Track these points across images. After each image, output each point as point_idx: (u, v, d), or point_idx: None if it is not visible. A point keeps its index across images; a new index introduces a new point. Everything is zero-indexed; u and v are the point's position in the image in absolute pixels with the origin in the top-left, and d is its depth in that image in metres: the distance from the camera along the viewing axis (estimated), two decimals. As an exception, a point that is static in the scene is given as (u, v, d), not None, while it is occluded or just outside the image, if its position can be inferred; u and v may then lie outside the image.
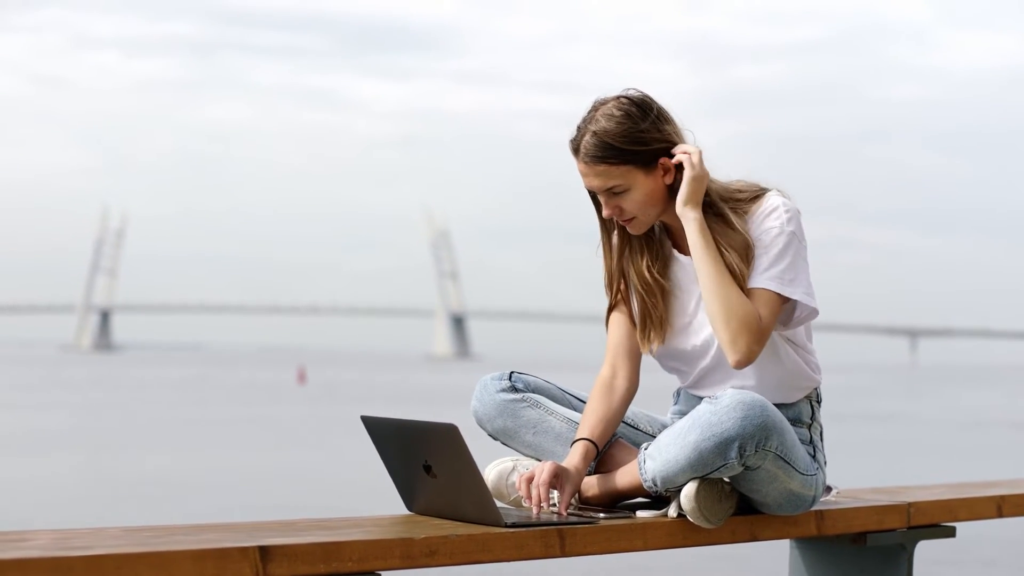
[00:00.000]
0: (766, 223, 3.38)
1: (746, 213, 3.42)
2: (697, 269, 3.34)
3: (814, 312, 3.43)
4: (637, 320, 3.52)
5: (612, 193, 3.37)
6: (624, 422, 3.56)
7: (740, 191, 3.45)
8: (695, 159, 3.34)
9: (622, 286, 3.54)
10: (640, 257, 3.49)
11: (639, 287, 3.48)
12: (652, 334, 3.48)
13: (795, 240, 3.38)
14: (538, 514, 3.20)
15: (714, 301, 3.31)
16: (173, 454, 16.65)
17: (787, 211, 3.39)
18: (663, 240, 3.51)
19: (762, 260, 3.36)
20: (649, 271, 3.47)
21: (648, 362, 3.58)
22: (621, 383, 3.49)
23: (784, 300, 3.36)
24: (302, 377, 49.19)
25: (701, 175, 3.34)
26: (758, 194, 3.44)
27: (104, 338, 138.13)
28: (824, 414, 3.57)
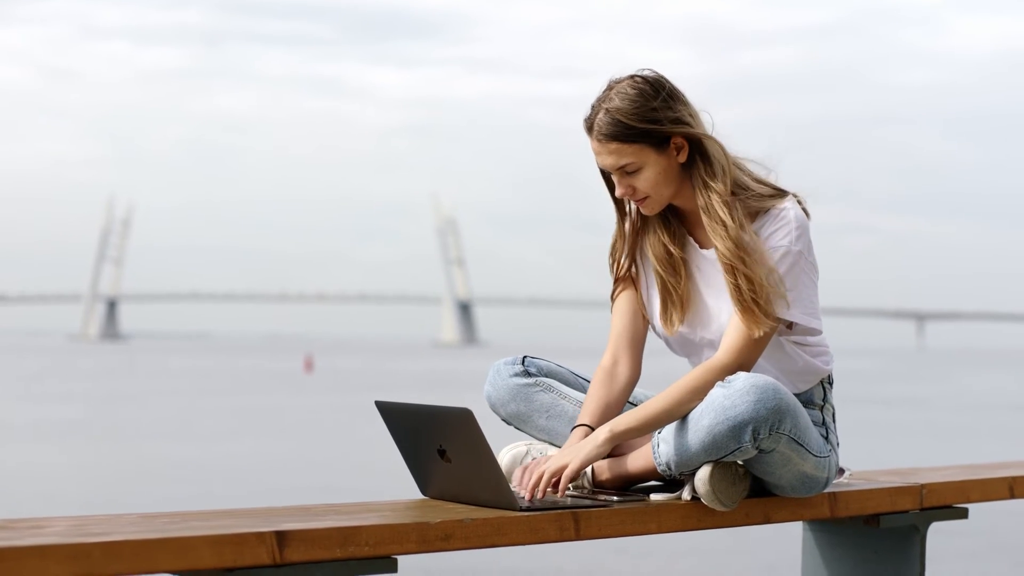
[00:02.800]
0: (772, 239, 3.36)
1: (755, 212, 3.40)
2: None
3: (815, 330, 3.45)
4: (658, 301, 3.51)
5: (625, 172, 3.37)
6: (635, 405, 3.56)
7: (760, 184, 3.43)
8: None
9: (633, 267, 3.54)
10: (659, 236, 3.49)
11: (659, 267, 3.47)
12: (675, 315, 3.48)
13: (800, 259, 3.37)
14: (530, 499, 3.18)
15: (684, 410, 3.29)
16: (186, 441, 16.68)
17: (797, 227, 3.37)
18: (678, 225, 3.51)
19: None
20: (668, 248, 3.47)
21: (654, 347, 3.58)
22: (623, 371, 3.49)
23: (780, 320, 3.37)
24: (309, 365, 49.23)
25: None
26: (773, 195, 3.42)
27: (111, 327, 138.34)
28: (835, 397, 3.56)
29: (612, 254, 3.58)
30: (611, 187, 3.48)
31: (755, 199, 3.40)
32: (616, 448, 3.38)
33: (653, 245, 3.49)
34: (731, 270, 3.33)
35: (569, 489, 3.26)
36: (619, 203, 3.51)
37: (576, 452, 3.23)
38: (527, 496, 3.18)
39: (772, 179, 3.46)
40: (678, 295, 3.47)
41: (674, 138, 3.35)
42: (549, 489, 3.20)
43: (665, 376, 3.34)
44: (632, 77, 3.38)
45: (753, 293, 3.31)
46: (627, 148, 3.34)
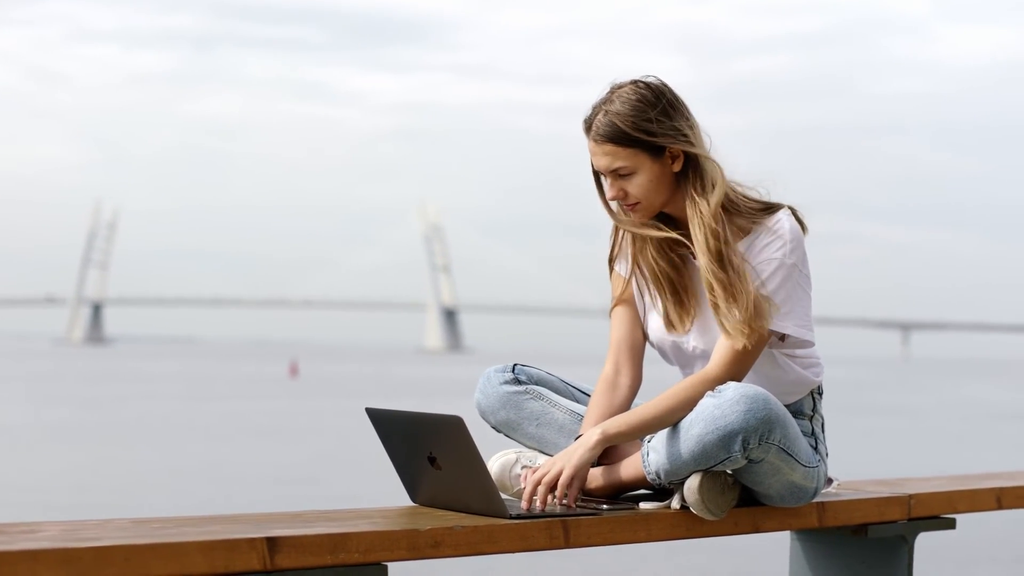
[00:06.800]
0: (766, 252, 3.37)
1: (746, 230, 3.41)
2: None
3: (808, 343, 3.45)
4: (659, 308, 3.50)
5: (618, 175, 3.37)
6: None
7: (750, 200, 3.44)
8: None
9: (634, 275, 3.52)
10: (661, 242, 3.45)
11: (668, 269, 3.45)
12: (686, 319, 3.46)
13: (794, 272, 3.38)
14: (528, 507, 3.17)
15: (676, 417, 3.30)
16: (175, 446, 16.66)
17: (791, 239, 3.37)
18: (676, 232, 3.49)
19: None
20: (670, 255, 3.45)
21: (651, 355, 3.58)
22: (624, 380, 3.48)
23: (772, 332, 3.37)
24: (294, 370, 49.22)
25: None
26: (766, 210, 3.42)
27: (96, 331, 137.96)
28: (824, 406, 3.57)
29: (611, 262, 3.58)
30: (603, 193, 3.47)
31: (746, 217, 3.40)
32: (606, 456, 3.39)
33: (656, 251, 3.48)
34: (710, 287, 3.33)
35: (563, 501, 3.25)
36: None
37: (568, 457, 3.23)
38: (525, 506, 3.18)
39: (766, 193, 3.46)
40: (687, 298, 3.46)
41: (670, 147, 3.36)
42: (551, 496, 3.20)
43: (665, 381, 3.34)
44: (635, 82, 3.39)
45: (733, 309, 3.31)
46: (622, 152, 3.34)
